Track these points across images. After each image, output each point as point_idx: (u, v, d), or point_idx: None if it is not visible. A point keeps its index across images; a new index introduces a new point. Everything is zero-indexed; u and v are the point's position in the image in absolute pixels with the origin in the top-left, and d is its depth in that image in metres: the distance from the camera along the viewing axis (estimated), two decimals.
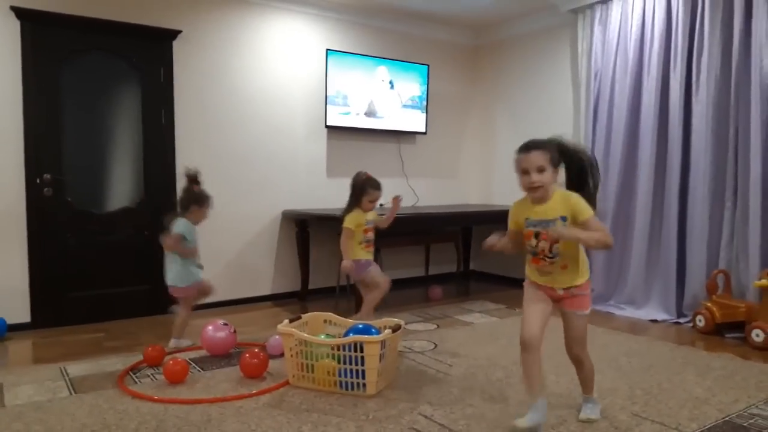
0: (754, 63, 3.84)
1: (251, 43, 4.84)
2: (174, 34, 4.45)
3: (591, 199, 2.27)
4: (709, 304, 3.86)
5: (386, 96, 5.43)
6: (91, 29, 4.14)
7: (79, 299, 4.18)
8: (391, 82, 5.43)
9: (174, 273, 3.47)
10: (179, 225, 3.45)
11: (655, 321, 4.27)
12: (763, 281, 3.52)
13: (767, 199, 3.84)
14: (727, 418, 2.45)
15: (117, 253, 4.32)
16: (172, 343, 3.50)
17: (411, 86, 5.57)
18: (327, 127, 5.15)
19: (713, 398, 2.67)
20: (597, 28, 4.83)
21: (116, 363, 3.20)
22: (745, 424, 2.39)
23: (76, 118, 4.15)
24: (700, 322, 3.91)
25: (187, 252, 3.46)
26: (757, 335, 3.53)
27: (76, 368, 3.12)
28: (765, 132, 3.83)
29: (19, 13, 3.87)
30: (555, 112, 5.39)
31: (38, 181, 3.99)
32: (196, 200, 3.52)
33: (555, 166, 2.23)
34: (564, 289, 2.29)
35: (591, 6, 4.88)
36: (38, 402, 2.63)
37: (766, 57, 3.79)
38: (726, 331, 3.82)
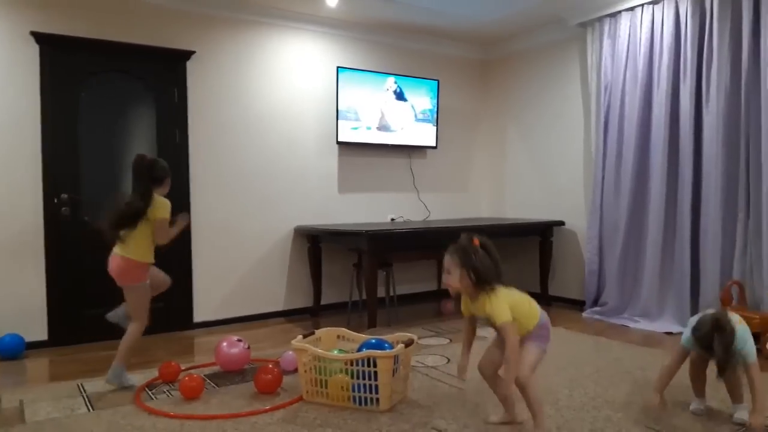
0: (763, 74, 3.85)
1: (263, 62, 4.92)
2: (188, 54, 4.53)
3: None
4: None
5: (398, 108, 5.48)
6: (106, 52, 4.24)
7: (95, 317, 4.21)
8: (398, 92, 5.45)
9: None
10: None
11: (669, 333, 4.23)
12: None
13: None
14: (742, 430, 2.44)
15: None
16: None
17: (422, 100, 5.62)
18: (338, 143, 5.20)
19: (728, 410, 2.65)
20: (606, 41, 4.86)
21: (132, 379, 3.23)
22: None
23: (92, 138, 4.23)
24: None
25: None
26: None
27: (94, 385, 3.16)
28: None
29: (39, 38, 3.98)
30: (564, 125, 5.42)
31: (56, 200, 4.07)
32: None
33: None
34: None
35: (599, 19, 4.91)
36: (57, 419, 2.67)
37: None
38: None
